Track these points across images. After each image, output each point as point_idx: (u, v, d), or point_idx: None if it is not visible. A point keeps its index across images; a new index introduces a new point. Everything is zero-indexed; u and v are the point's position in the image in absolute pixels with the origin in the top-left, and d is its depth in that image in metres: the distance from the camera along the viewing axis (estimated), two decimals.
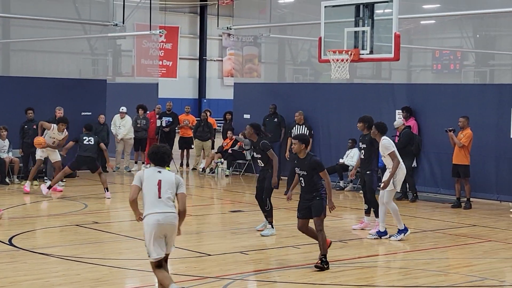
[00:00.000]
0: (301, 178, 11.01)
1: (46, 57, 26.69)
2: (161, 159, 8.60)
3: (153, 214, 8.31)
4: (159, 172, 8.50)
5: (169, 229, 8.37)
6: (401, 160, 13.02)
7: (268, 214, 13.28)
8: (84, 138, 17.94)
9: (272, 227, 13.27)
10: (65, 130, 18.30)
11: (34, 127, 19.54)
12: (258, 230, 13.38)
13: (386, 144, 13.03)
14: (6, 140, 19.88)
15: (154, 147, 8.82)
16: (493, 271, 10.80)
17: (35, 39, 25.75)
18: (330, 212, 10.91)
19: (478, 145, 17.51)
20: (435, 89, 19.85)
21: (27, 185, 18.18)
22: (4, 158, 19.44)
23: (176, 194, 8.50)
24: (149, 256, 8.43)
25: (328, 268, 10.53)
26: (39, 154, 18.25)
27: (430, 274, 10.48)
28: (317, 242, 10.73)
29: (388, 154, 12.95)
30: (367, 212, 13.97)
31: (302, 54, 27.86)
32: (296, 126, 19.78)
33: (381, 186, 13.05)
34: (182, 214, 8.46)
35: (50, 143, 18.04)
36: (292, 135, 19.20)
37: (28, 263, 10.69)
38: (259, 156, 13.30)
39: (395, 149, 13.06)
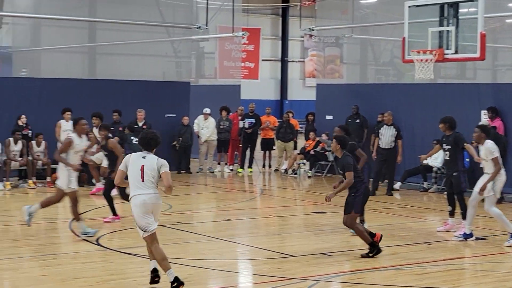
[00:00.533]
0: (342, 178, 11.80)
1: (131, 60, 27.19)
2: (147, 144, 9.40)
3: (138, 195, 9.21)
4: (143, 157, 9.32)
5: (155, 207, 9.31)
6: (502, 167, 12.64)
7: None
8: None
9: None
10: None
11: (120, 129, 19.93)
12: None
13: (491, 149, 12.56)
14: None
15: (144, 133, 9.69)
16: None
17: (120, 42, 26.25)
18: (326, 201, 11.62)
19: None
20: None
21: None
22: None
23: (160, 175, 9.26)
24: (145, 231, 9.31)
25: (372, 256, 11.28)
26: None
27: None
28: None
29: (491, 159, 12.53)
30: (451, 214, 13.76)
31: (385, 54, 27.66)
32: (384, 126, 19.63)
33: (478, 191, 12.72)
34: (167, 189, 9.20)
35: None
36: (380, 136, 19.07)
37: (115, 262, 10.90)
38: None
39: (498, 154, 12.60)
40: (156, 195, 9.28)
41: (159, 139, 9.53)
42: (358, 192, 11.53)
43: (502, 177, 12.67)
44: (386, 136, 18.94)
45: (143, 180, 9.21)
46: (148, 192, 9.20)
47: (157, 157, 9.39)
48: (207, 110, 23.24)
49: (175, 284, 9.28)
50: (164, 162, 9.39)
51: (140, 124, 20.81)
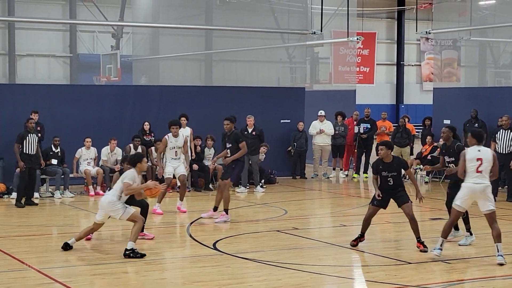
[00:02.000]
0: (389, 179, 12.57)
1: (246, 67, 27.49)
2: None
3: None
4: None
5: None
6: None
7: (465, 221, 12.85)
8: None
9: (471, 234, 12.84)
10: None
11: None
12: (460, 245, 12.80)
13: None
14: (212, 148, 20.55)
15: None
16: None
17: (236, 49, 26.57)
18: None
19: None
20: None
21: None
22: (209, 166, 20.05)
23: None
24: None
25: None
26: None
27: None
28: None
29: None
30: None
31: (505, 56, 26.96)
32: (501, 131, 19.10)
33: None
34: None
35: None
36: (497, 140, 18.57)
37: (231, 267, 11.00)
38: (452, 159, 12.84)
39: None
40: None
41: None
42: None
43: None
44: (504, 141, 18.44)
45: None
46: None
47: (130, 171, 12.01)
48: (321, 112, 23.19)
49: None
50: (123, 175, 11.98)
51: (250, 130, 20.75)
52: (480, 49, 26.75)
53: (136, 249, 11.54)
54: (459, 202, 11.55)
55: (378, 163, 12.48)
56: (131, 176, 11.96)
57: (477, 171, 11.38)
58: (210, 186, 20.15)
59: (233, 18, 27.18)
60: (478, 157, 11.45)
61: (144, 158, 12.33)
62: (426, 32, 22.48)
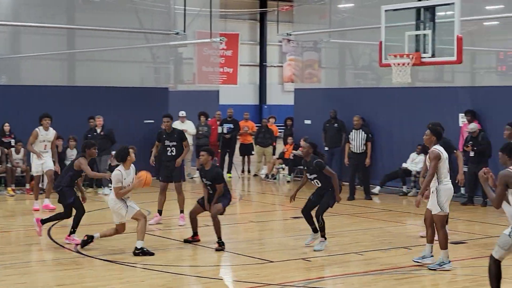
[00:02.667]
0: None
1: (110, 67, 27.08)
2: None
3: None
4: None
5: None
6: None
7: (321, 229, 12.61)
8: None
9: (325, 239, 12.59)
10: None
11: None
12: (308, 245, 12.63)
13: None
14: (74, 149, 20.20)
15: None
16: None
17: (99, 49, 26.16)
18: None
19: None
20: (500, 92, 19.55)
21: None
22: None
23: None
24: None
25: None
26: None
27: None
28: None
29: None
30: None
31: (363, 58, 27.68)
32: (353, 131, 19.70)
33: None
34: None
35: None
36: (350, 141, 19.13)
37: (93, 270, 10.85)
38: (315, 176, 12.56)
39: None
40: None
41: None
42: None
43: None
44: (357, 140, 19.03)
45: None
46: None
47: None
48: (182, 113, 23.21)
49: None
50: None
51: (98, 130, 20.36)
52: (340, 51, 27.36)
53: (145, 248, 11.72)
54: (446, 206, 10.91)
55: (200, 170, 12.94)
56: (116, 179, 11.95)
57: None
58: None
59: (96, 18, 26.71)
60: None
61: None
62: (287, 34, 22.89)
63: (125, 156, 12.10)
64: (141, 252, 11.70)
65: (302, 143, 22.60)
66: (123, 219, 12.09)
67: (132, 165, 12.20)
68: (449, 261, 10.95)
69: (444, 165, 10.94)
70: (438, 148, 10.96)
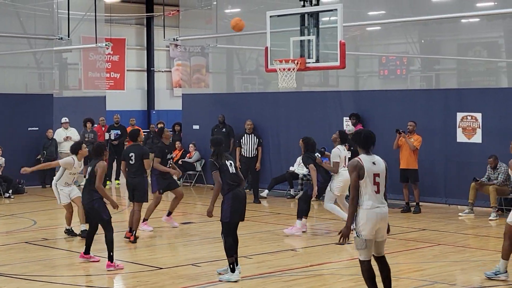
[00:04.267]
0: None
1: None
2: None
3: None
4: None
5: None
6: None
7: None
8: None
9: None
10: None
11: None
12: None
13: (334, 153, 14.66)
14: None
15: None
16: (443, 275, 10.92)
17: None
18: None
19: (425, 149, 17.74)
20: (382, 95, 20.08)
21: None
22: None
23: None
24: None
25: None
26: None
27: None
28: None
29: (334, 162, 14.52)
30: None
31: (250, 63, 27.91)
32: (245, 135, 19.83)
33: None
34: None
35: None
36: (241, 145, 19.32)
37: None
38: None
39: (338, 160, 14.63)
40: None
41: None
42: None
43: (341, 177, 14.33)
44: (248, 145, 19.26)
45: None
46: None
47: None
48: (65, 119, 22.84)
49: None
50: None
51: None
52: (228, 56, 27.49)
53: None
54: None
55: None
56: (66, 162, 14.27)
57: None
58: None
59: None
60: None
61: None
62: (174, 39, 22.81)
63: (77, 149, 13.97)
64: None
65: (191, 147, 22.65)
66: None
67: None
68: (506, 271, 10.63)
69: None
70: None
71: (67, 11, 21.42)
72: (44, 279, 10.68)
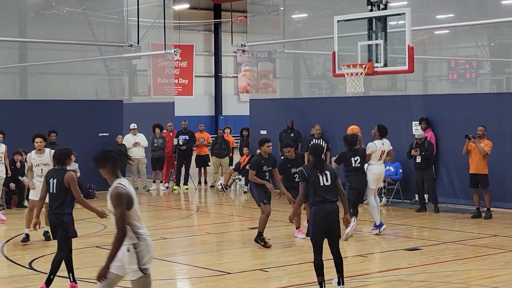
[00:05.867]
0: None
1: (63, 80, 26.86)
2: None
3: None
4: None
5: None
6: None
7: None
8: None
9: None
10: None
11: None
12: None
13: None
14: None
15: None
16: None
17: (52, 62, 25.95)
18: None
19: (496, 154, 17.42)
20: (451, 99, 19.81)
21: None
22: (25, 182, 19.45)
23: None
24: None
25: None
26: None
27: (452, 287, 10.40)
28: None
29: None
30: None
31: (317, 68, 27.87)
32: (314, 140, 19.79)
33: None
34: None
35: None
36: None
37: (49, 286, 10.70)
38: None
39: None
40: None
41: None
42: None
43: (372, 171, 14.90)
44: None
45: None
46: None
47: None
48: (134, 126, 23.13)
49: None
50: None
51: None
52: (294, 61, 27.51)
53: None
54: None
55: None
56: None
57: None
58: (25, 203, 19.54)
59: (49, 30, 26.51)
60: None
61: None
62: (242, 44, 22.92)
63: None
64: None
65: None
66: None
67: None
68: None
69: None
70: None
71: (136, 19, 21.73)
72: None
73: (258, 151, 22.55)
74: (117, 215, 7.05)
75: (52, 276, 10.08)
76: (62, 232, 10.31)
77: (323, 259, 9.79)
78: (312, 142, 19.76)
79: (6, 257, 12.98)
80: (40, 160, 14.15)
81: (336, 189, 9.94)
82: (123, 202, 7.09)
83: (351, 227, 13.94)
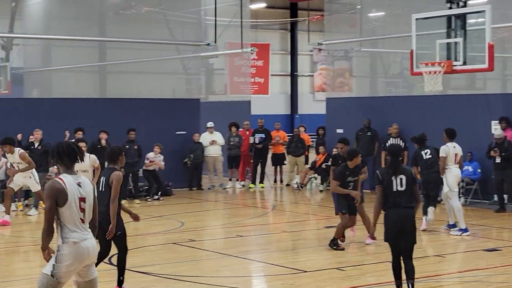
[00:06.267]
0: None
1: (141, 78, 27.28)
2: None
3: None
4: None
5: None
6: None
7: None
8: None
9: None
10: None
11: (135, 147, 20.08)
12: None
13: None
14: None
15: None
16: None
17: (130, 61, 26.38)
18: None
19: None
20: None
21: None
22: None
23: None
24: None
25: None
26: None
27: None
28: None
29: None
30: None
31: (394, 66, 27.63)
32: (391, 139, 19.63)
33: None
34: None
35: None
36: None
37: (127, 282, 10.88)
38: None
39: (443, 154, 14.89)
40: None
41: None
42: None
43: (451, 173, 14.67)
44: None
45: None
46: None
47: None
48: (210, 124, 23.31)
49: None
50: None
51: (36, 145, 18.66)
52: (371, 59, 27.34)
53: None
54: None
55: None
56: None
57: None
58: None
59: (127, 30, 26.95)
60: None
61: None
62: (318, 43, 22.91)
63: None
64: None
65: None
66: None
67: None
68: None
69: None
70: None
71: (214, 18, 21.92)
72: (191, 280, 10.94)
73: (335, 150, 22.57)
74: (45, 207, 6.81)
75: (121, 277, 10.13)
76: (116, 237, 9.97)
77: (400, 261, 9.61)
78: (389, 142, 19.64)
79: None
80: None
81: (411, 194, 9.44)
82: (53, 196, 6.74)
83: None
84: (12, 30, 29.88)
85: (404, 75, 25.47)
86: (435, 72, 13.48)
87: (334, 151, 22.60)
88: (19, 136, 18.80)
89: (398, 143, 19.23)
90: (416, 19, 14.01)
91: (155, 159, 20.72)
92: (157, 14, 28.19)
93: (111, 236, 9.76)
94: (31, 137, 18.90)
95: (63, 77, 29.89)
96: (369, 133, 21.53)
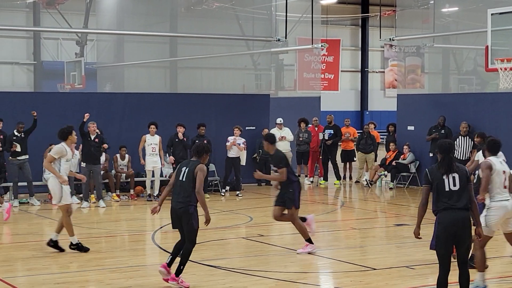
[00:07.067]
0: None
1: (211, 74, 27.45)
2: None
3: None
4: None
5: None
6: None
7: None
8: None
9: None
10: None
11: (205, 142, 20.13)
12: None
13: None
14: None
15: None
16: None
17: (201, 56, 26.55)
18: None
19: None
20: None
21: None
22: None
23: None
24: None
25: None
26: None
27: None
28: None
29: None
30: None
31: (468, 63, 27.22)
32: (460, 137, 19.28)
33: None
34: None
35: None
36: (456, 147, 18.78)
37: (196, 274, 10.95)
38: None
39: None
40: None
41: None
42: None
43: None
44: (462, 147, 18.69)
45: None
46: None
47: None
48: (280, 120, 23.25)
49: None
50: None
51: (93, 137, 18.54)
52: (444, 55, 26.96)
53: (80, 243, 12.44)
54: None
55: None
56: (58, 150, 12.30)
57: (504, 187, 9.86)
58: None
59: (198, 25, 27.18)
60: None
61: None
62: (390, 39, 22.65)
63: (67, 135, 12.36)
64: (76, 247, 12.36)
65: (405, 149, 22.37)
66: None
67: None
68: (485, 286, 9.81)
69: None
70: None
71: (284, 13, 21.89)
72: (259, 274, 10.93)
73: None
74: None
75: (182, 267, 10.18)
76: (187, 225, 10.09)
77: (448, 277, 8.79)
78: (457, 140, 19.26)
79: (157, 245, 13.37)
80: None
81: (466, 195, 8.53)
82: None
83: None
84: (87, 25, 30.40)
85: (477, 71, 25.07)
86: (511, 69, 13.19)
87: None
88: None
89: (467, 141, 18.83)
90: (492, 14, 13.73)
91: (235, 141, 20.69)
92: (227, 10, 28.32)
93: (208, 224, 10.19)
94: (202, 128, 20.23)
95: (134, 72, 30.31)
96: (443, 131, 21.19)
